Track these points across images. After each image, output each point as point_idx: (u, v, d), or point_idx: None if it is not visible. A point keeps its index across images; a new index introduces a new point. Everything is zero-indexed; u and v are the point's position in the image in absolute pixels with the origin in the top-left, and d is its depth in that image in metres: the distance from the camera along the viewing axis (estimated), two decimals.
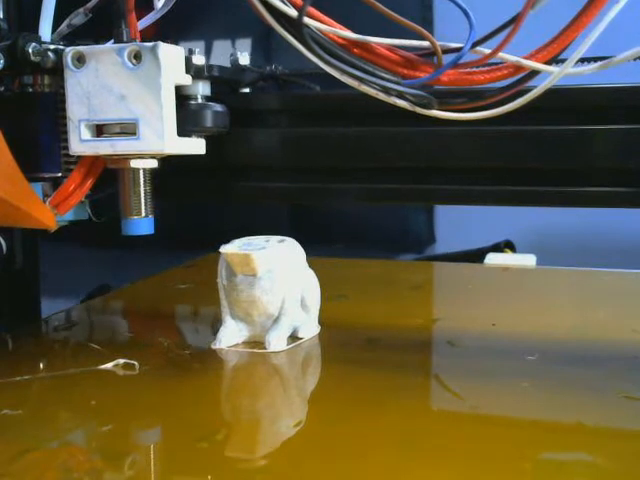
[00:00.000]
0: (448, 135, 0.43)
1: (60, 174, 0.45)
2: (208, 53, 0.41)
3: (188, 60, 0.42)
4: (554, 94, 0.36)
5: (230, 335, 0.47)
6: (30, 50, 0.43)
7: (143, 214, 0.44)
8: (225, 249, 0.45)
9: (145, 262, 0.91)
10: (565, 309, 0.59)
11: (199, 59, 0.43)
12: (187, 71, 0.42)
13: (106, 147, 0.42)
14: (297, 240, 0.49)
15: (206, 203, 1.07)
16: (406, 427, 0.36)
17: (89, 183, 0.45)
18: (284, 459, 0.34)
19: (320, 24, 0.36)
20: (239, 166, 0.49)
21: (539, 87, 0.35)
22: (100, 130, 0.42)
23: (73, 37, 0.44)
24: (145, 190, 0.44)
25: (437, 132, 0.43)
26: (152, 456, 0.34)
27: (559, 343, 0.49)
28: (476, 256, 0.89)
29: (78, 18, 0.45)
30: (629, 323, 0.54)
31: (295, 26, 0.36)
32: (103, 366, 0.44)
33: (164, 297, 0.67)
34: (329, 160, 0.47)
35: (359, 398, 0.40)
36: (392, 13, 0.35)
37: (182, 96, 0.43)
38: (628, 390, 0.40)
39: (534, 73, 0.35)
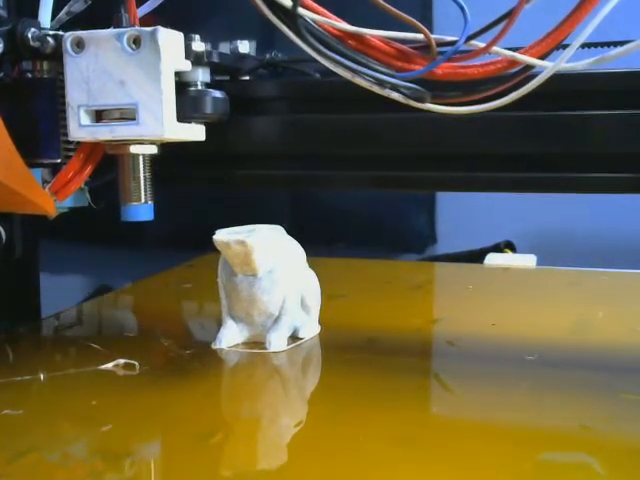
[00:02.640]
0: (450, 122, 0.43)
1: (59, 160, 0.45)
2: (208, 42, 0.41)
3: (188, 46, 0.42)
4: (556, 79, 0.35)
5: (230, 335, 0.47)
6: (29, 35, 0.43)
7: (142, 200, 0.44)
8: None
9: (145, 262, 0.91)
10: (565, 309, 0.59)
11: (199, 45, 0.43)
12: (187, 57, 0.42)
13: (105, 132, 0.41)
14: (298, 240, 0.49)
15: (205, 204, 1.07)
16: (406, 427, 0.36)
17: (88, 169, 0.45)
18: (284, 459, 0.34)
19: (315, 15, 0.36)
20: (239, 153, 0.49)
21: (532, 82, 0.35)
22: (99, 116, 0.42)
23: (72, 25, 0.44)
24: (145, 176, 0.44)
25: (439, 119, 0.43)
26: (152, 457, 0.34)
27: (559, 343, 0.49)
28: (476, 256, 0.89)
29: (77, 5, 0.44)
30: (629, 323, 0.54)
31: (289, 17, 0.36)
32: (103, 366, 0.44)
33: (164, 297, 0.67)
34: (330, 147, 0.47)
35: (359, 398, 0.40)
36: (387, 5, 0.35)
37: (182, 83, 0.43)
38: (628, 390, 0.40)
39: (528, 67, 0.35)
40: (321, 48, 0.36)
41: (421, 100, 0.37)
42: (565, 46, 0.34)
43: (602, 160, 0.43)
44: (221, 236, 0.45)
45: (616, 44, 0.43)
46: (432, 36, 0.36)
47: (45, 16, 0.44)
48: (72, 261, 1.21)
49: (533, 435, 0.36)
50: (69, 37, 0.41)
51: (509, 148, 0.44)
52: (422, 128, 0.44)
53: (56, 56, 0.43)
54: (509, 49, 0.36)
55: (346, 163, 0.47)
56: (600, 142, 0.42)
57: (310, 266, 0.49)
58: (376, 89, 0.37)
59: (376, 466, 0.32)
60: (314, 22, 0.36)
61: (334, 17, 0.37)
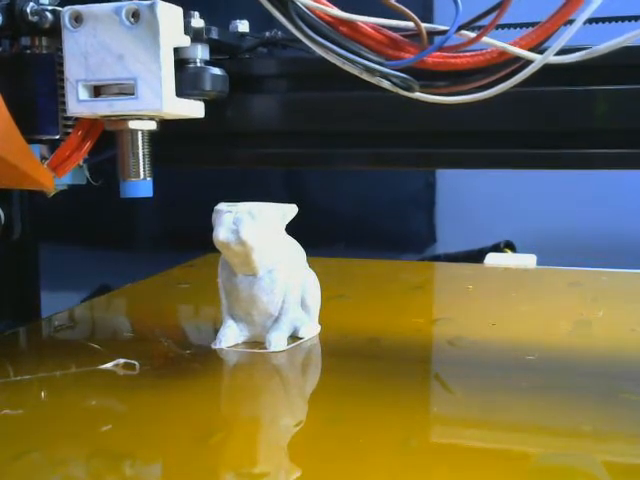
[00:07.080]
0: None
1: (58, 136, 0.45)
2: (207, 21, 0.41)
3: (187, 23, 0.42)
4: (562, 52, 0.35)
5: (230, 335, 0.47)
6: (28, 10, 0.43)
7: (141, 176, 0.44)
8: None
9: (145, 262, 0.91)
10: (565, 309, 0.59)
11: (198, 22, 0.43)
12: (186, 33, 0.42)
13: (104, 107, 0.41)
14: (297, 240, 0.49)
15: (206, 204, 1.06)
16: (406, 427, 0.36)
17: (87, 146, 0.45)
18: (284, 460, 0.34)
19: (307, 0, 0.36)
20: (238, 131, 0.49)
21: (521, 74, 0.35)
22: (98, 91, 0.42)
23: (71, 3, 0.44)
24: (144, 152, 0.44)
25: None
26: (152, 457, 0.34)
27: (559, 343, 0.49)
28: (476, 256, 0.89)
29: None
30: (629, 323, 0.54)
31: (282, 1, 0.36)
32: (103, 366, 0.44)
33: (164, 297, 0.67)
34: (330, 125, 0.47)
35: (359, 398, 0.40)
36: None
37: (181, 60, 0.43)
38: (628, 390, 0.40)
39: (518, 59, 0.35)
40: (312, 34, 0.36)
41: (410, 89, 0.37)
42: (572, 21, 0.34)
43: (603, 136, 0.42)
44: (221, 234, 0.45)
45: (617, 19, 0.43)
46: (423, 25, 0.36)
47: None
48: (72, 261, 1.21)
49: (533, 435, 0.36)
50: (67, 11, 0.41)
51: (511, 124, 0.43)
52: (422, 105, 0.44)
53: (55, 31, 0.43)
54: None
55: (346, 141, 0.47)
56: (601, 117, 0.42)
57: (310, 266, 0.49)
58: (366, 77, 0.37)
59: (376, 466, 0.32)
60: (306, 7, 0.36)
61: (326, 3, 0.37)
